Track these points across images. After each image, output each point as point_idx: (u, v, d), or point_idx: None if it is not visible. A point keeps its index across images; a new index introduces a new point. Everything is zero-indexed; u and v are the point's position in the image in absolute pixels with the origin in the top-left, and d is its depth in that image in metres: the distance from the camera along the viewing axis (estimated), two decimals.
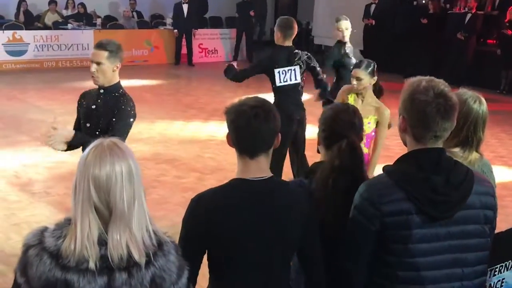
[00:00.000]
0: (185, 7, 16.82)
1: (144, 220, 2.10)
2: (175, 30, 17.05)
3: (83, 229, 2.01)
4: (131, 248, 2.03)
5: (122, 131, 4.21)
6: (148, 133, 9.76)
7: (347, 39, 7.30)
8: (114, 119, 4.23)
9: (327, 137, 2.87)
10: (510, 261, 3.96)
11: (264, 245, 2.47)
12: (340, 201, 2.70)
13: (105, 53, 4.19)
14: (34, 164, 8.10)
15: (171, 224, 5.98)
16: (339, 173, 2.74)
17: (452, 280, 2.48)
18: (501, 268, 4.28)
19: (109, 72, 4.24)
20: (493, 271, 4.26)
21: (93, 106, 4.34)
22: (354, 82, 5.24)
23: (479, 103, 3.13)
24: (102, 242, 2.03)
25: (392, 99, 12.63)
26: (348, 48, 7.29)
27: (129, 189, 2.05)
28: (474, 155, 3.12)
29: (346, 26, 7.29)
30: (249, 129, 2.45)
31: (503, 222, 3.93)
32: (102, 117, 4.28)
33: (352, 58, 7.16)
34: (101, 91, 4.33)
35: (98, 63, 4.20)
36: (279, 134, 2.56)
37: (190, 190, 7.19)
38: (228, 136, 2.55)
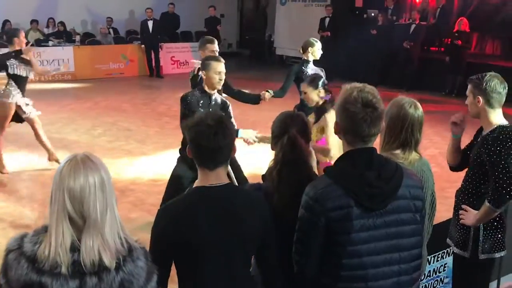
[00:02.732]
0: (150, 23, 16.77)
1: (116, 227, 2.11)
2: (142, 46, 17.01)
3: (57, 236, 2.02)
4: (102, 253, 2.04)
5: None
6: (126, 140, 9.73)
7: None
8: None
9: (274, 137, 2.97)
10: (450, 248, 4.05)
11: (226, 246, 2.49)
12: (286, 190, 2.78)
13: None
14: (19, 172, 8.02)
15: (147, 223, 5.98)
16: (282, 164, 2.83)
17: (391, 264, 2.56)
18: (443, 254, 4.39)
19: None
20: (436, 257, 4.36)
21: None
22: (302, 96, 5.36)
23: (414, 107, 3.21)
24: (75, 249, 2.04)
25: None
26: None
27: (102, 199, 2.07)
28: (414, 155, 3.20)
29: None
30: (209, 147, 2.48)
31: (447, 212, 4.02)
32: None
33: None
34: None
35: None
36: (235, 146, 2.60)
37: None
38: (189, 149, 2.57)
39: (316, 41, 7.12)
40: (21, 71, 7.61)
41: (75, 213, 2.04)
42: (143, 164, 8.54)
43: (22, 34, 7.82)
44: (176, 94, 14.54)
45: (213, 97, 5.15)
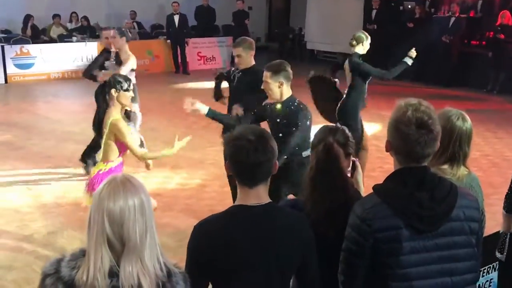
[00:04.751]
0: (176, 17, 16.88)
1: (155, 251, 2.12)
2: (168, 41, 17.09)
3: (96, 261, 2.04)
4: (142, 279, 2.05)
5: None
6: (152, 142, 9.79)
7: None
8: None
9: (312, 147, 3.00)
10: (497, 262, 4.02)
11: (264, 268, 2.48)
12: (319, 199, 2.80)
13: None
14: (45, 175, 8.11)
15: (175, 231, 6.03)
16: (316, 172, 2.86)
17: None
18: (489, 269, 4.33)
19: None
20: (481, 272, 4.31)
21: None
22: None
23: (462, 120, 3.15)
24: (113, 274, 2.05)
25: (381, 101, 12.59)
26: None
27: (141, 222, 2.08)
28: (462, 171, 3.14)
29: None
30: (249, 163, 2.46)
31: (491, 220, 3.96)
32: None
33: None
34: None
35: None
36: (277, 162, 2.58)
37: (193, 197, 7.28)
38: (226, 165, 2.56)
39: (368, 35, 7.29)
40: None
41: (114, 236, 2.05)
42: (170, 167, 8.55)
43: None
44: (203, 92, 14.69)
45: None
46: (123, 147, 4.94)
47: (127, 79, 5.00)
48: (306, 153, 4.63)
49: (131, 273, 2.04)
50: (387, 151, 2.60)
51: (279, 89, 4.77)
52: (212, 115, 4.99)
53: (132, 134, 4.99)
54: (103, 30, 8.44)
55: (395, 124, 2.49)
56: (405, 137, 2.45)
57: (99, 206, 2.06)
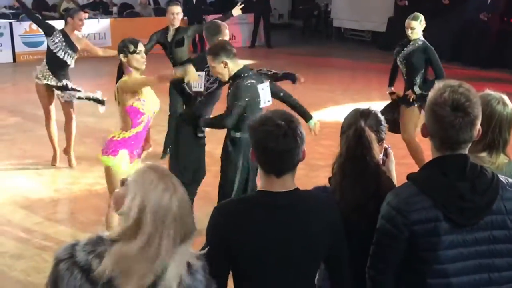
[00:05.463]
0: None
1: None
2: (185, 18, 17.04)
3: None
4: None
5: None
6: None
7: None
8: None
9: (342, 132, 2.97)
10: None
11: (289, 256, 2.48)
12: (349, 187, 2.79)
13: None
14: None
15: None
16: (346, 158, 2.83)
17: (480, 286, 2.51)
18: None
19: None
20: None
21: None
22: None
23: (502, 104, 3.10)
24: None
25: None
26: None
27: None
28: (502, 159, 3.10)
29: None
30: (278, 150, 2.43)
31: None
32: None
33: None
34: None
35: None
36: (305, 149, 2.55)
37: (211, 184, 7.23)
38: (253, 153, 2.54)
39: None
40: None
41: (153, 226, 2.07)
42: None
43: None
44: None
45: None
46: (135, 117, 4.93)
47: (133, 41, 4.94)
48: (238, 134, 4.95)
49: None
50: (423, 135, 2.58)
51: (226, 68, 4.87)
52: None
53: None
54: (169, 5, 8.41)
55: (431, 106, 2.48)
56: (439, 119, 2.44)
57: (141, 195, 2.08)
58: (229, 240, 2.46)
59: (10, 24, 15.35)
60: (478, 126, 2.49)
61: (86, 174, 7.64)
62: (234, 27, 18.17)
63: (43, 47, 15.43)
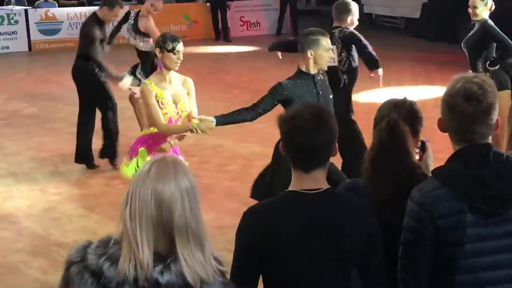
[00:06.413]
0: None
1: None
2: (208, 4, 17.08)
3: (142, 247, 2.06)
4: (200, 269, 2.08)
5: None
6: None
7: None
8: None
9: (375, 124, 2.98)
10: None
11: (320, 259, 2.50)
12: (381, 182, 2.79)
13: None
14: (72, 153, 8.24)
15: (216, 216, 6.05)
16: (378, 151, 2.85)
17: None
18: None
19: None
20: None
21: None
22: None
23: None
24: (161, 259, 2.09)
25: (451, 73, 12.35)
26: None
27: (195, 206, 2.12)
28: None
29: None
30: (306, 145, 2.46)
31: None
32: None
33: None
34: None
35: None
36: (337, 144, 2.57)
37: (236, 179, 7.34)
38: (282, 145, 2.57)
39: None
40: None
41: (161, 221, 2.08)
42: (210, 147, 8.55)
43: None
44: (245, 62, 14.71)
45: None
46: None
47: (174, 39, 4.94)
48: None
49: (193, 262, 2.07)
50: (440, 130, 2.61)
51: None
52: (223, 121, 5.02)
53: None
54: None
55: (444, 97, 2.53)
56: (451, 110, 2.48)
57: (145, 187, 2.08)
58: (259, 243, 2.48)
59: (26, 11, 15.45)
60: (493, 116, 2.49)
61: (103, 168, 7.70)
62: (258, 13, 18.18)
63: (60, 35, 15.75)
